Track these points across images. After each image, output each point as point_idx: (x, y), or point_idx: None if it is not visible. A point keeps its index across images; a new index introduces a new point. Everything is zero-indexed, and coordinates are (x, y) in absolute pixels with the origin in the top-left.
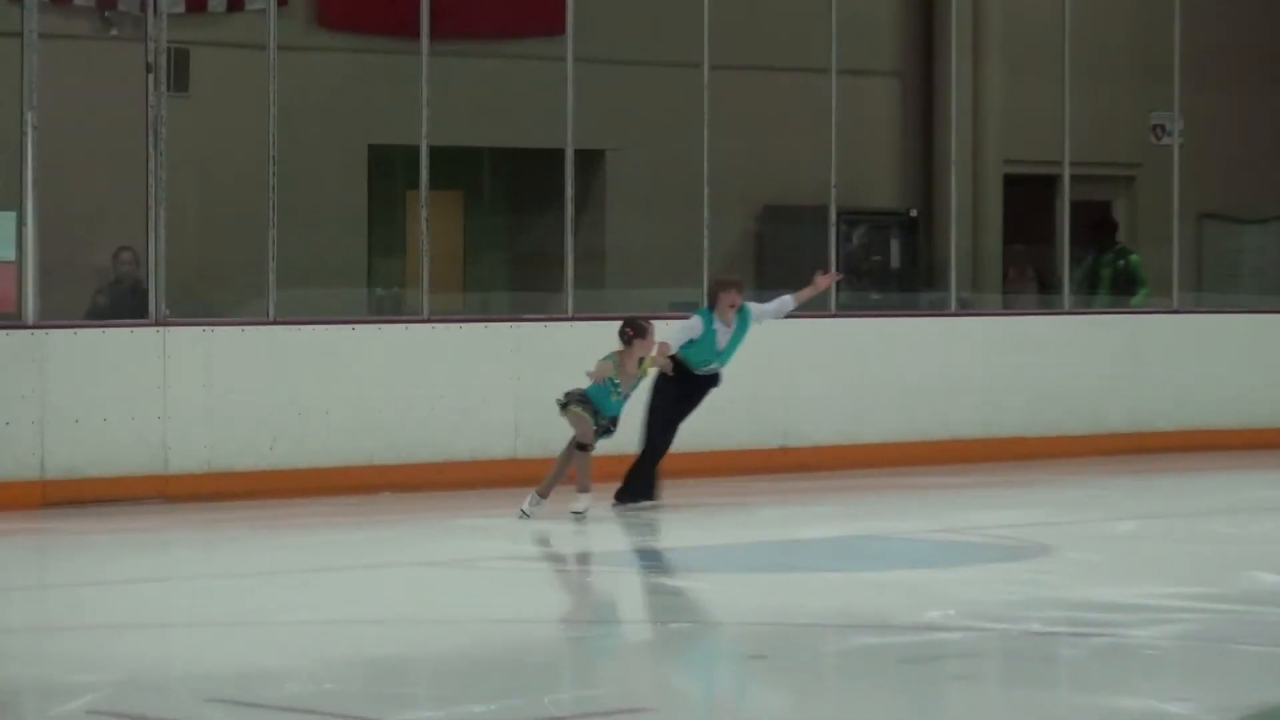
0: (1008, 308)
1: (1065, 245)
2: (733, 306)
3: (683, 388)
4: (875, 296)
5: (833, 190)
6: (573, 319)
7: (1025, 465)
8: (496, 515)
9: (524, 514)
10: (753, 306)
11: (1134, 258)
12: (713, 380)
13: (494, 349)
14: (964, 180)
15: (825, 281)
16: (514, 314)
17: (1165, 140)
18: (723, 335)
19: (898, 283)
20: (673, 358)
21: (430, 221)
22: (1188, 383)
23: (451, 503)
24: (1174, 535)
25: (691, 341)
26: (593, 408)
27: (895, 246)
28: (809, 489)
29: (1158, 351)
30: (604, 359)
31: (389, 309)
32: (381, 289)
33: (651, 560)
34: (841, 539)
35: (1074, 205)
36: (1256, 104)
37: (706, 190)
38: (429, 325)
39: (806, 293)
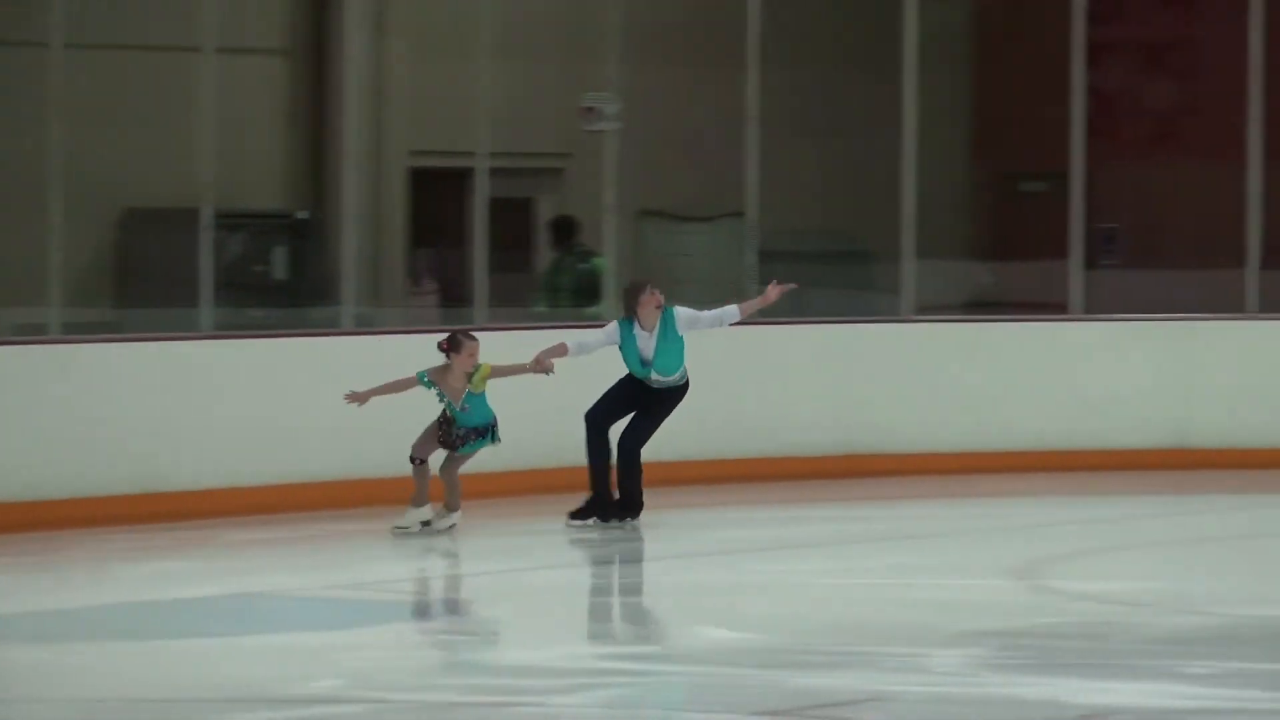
0: (413, 324)
1: (485, 250)
2: (658, 307)
3: (632, 391)
4: (256, 314)
5: (205, 190)
6: None
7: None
8: None
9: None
10: (683, 312)
11: (598, 261)
12: (669, 393)
13: None
14: (363, 176)
15: (776, 292)
16: None
17: (599, 125)
18: (644, 342)
19: (284, 297)
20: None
21: None
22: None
23: None
24: (609, 586)
25: (618, 348)
26: (447, 418)
27: (281, 255)
28: (168, 544)
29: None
30: (416, 374)
31: None
32: None
33: None
34: (209, 599)
35: (494, 203)
36: (701, 87)
37: (56, 192)
38: None
39: (755, 303)
